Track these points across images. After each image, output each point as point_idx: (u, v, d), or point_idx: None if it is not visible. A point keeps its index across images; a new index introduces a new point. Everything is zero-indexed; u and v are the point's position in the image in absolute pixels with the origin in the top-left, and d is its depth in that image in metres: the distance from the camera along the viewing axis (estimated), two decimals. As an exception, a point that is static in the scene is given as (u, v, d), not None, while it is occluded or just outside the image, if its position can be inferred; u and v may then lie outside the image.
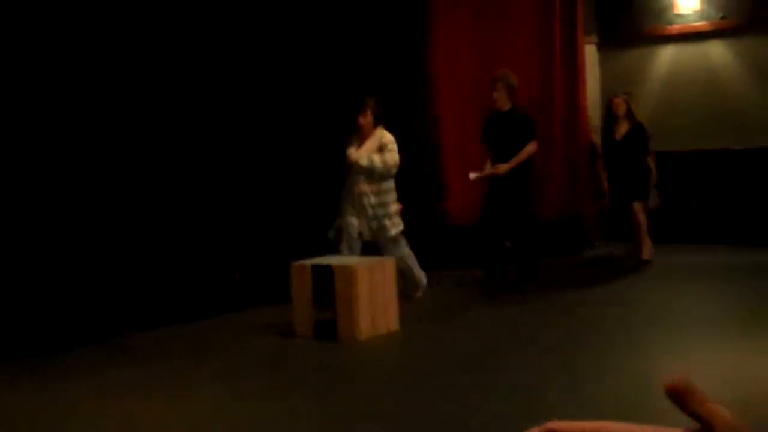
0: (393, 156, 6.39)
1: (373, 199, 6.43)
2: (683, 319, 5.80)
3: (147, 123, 6.05)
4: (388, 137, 6.48)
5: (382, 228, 6.46)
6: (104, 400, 4.39)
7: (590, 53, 9.76)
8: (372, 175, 6.40)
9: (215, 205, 6.41)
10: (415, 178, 7.16)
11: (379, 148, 6.40)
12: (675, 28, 9.64)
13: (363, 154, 6.39)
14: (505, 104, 7.02)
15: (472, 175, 7.03)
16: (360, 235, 6.47)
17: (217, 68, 6.53)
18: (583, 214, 9.12)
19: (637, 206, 8.16)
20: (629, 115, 8.15)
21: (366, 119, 6.48)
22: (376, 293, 5.64)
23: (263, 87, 6.78)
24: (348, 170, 6.54)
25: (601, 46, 10.13)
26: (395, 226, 6.50)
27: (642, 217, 8.20)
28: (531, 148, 6.97)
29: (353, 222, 6.45)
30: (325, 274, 5.58)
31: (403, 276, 6.56)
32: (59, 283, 5.56)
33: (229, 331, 5.95)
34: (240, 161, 6.66)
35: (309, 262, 5.71)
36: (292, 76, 6.92)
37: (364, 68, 7.42)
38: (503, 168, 6.88)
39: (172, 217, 6.22)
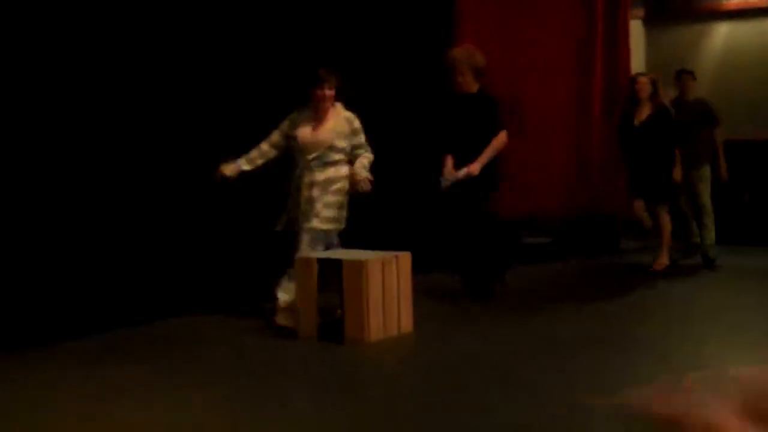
0: (371, 153, 5.95)
1: (318, 190, 5.78)
2: (723, 330, 5.69)
3: (132, 123, 6.05)
4: (357, 120, 5.91)
5: (310, 214, 5.74)
6: (92, 400, 4.39)
7: (636, 29, 9.65)
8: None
9: (211, 200, 6.39)
10: (438, 172, 7.04)
11: (350, 133, 5.87)
12: (731, 3, 9.52)
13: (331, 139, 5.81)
14: (471, 87, 6.63)
15: (445, 182, 6.52)
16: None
17: (224, 64, 6.49)
18: (621, 208, 9.03)
19: (661, 209, 7.89)
20: (653, 97, 7.81)
21: (331, 92, 5.85)
22: (388, 291, 5.58)
23: (279, 87, 6.65)
24: (298, 155, 5.89)
25: (648, 22, 10.02)
26: (325, 222, 5.77)
27: (667, 222, 7.93)
28: (502, 138, 6.56)
29: (291, 215, 5.91)
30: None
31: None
32: (47, 277, 5.60)
33: (226, 328, 5.92)
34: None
35: (315, 255, 5.67)
36: (307, 73, 6.83)
37: (383, 58, 7.41)
38: (476, 168, 6.47)
39: (169, 208, 6.24)
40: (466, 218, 6.58)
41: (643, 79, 7.89)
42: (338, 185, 5.83)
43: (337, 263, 5.54)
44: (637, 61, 9.55)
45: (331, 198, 5.79)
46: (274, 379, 4.75)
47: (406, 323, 5.74)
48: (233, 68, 6.57)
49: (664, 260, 7.93)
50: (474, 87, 6.64)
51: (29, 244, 5.56)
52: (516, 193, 8.67)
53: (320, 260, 5.61)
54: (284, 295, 5.87)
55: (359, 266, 5.45)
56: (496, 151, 6.58)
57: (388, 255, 5.68)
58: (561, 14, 8.78)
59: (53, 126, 5.67)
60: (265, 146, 6.00)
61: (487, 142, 6.55)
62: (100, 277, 5.87)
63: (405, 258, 5.78)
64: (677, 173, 7.79)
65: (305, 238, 5.76)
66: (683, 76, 8.35)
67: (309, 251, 5.72)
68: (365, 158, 5.93)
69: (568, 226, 8.82)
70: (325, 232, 5.82)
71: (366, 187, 5.82)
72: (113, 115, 5.97)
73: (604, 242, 8.41)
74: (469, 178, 6.50)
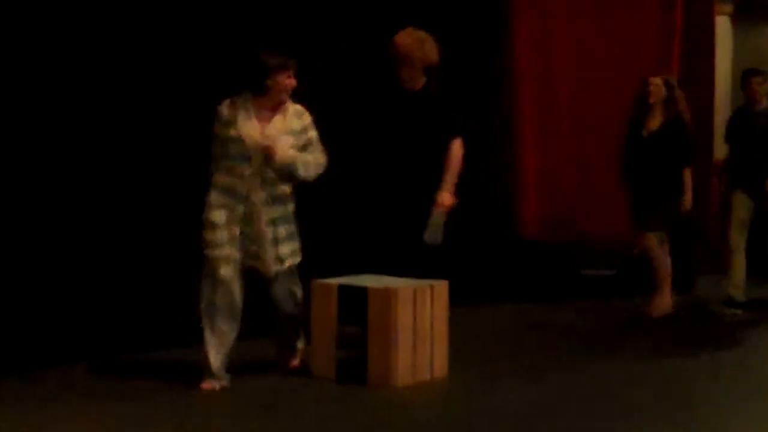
0: (324, 155, 5.44)
1: (274, 211, 5.34)
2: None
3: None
4: (307, 114, 5.36)
5: (279, 256, 5.38)
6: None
7: (723, 26, 9.57)
8: (290, 178, 5.34)
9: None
10: (480, 182, 6.86)
11: (301, 130, 5.37)
12: (835, -2, 9.43)
13: (286, 147, 5.26)
14: (417, 83, 6.06)
15: (435, 239, 5.93)
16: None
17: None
18: (704, 234, 8.75)
19: (650, 237, 7.39)
20: (668, 103, 7.39)
21: (293, 82, 5.29)
22: (420, 327, 5.43)
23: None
24: (240, 161, 5.27)
25: (737, 18, 9.90)
26: (287, 259, 5.44)
27: (657, 253, 7.42)
28: (457, 149, 6.01)
29: (232, 253, 5.30)
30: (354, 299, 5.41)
31: (287, 329, 5.68)
32: (50, 295, 5.76)
33: (229, 364, 5.85)
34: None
35: (335, 281, 5.51)
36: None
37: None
38: (448, 198, 5.97)
39: (168, 228, 6.27)
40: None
41: (656, 81, 7.44)
42: (290, 207, 5.43)
43: (362, 291, 5.38)
44: (723, 63, 9.39)
45: (285, 230, 5.39)
46: (282, 427, 4.70)
47: (440, 367, 5.57)
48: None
49: (664, 300, 7.52)
50: (419, 83, 6.11)
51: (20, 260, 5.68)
52: (572, 208, 8.53)
53: (342, 287, 5.46)
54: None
55: (387, 295, 5.29)
56: (459, 169, 6.05)
57: (421, 284, 5.49)
58: (635, 7, 8.66)
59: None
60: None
61: (433, 150, 6.01)
62: (99, 304, 5.99)
63: (441, 289, 5.56)
64: (687, 201, 7.32)
65: (292, 279, 5.53)
66: (747, 78, 7.80)
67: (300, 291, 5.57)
68: (312, 156, 5.38)
69: (633, 258, 8.63)
70: (290, 269, 5.48)
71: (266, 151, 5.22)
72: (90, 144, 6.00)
73: (677, 278, 8.17)
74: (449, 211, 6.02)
